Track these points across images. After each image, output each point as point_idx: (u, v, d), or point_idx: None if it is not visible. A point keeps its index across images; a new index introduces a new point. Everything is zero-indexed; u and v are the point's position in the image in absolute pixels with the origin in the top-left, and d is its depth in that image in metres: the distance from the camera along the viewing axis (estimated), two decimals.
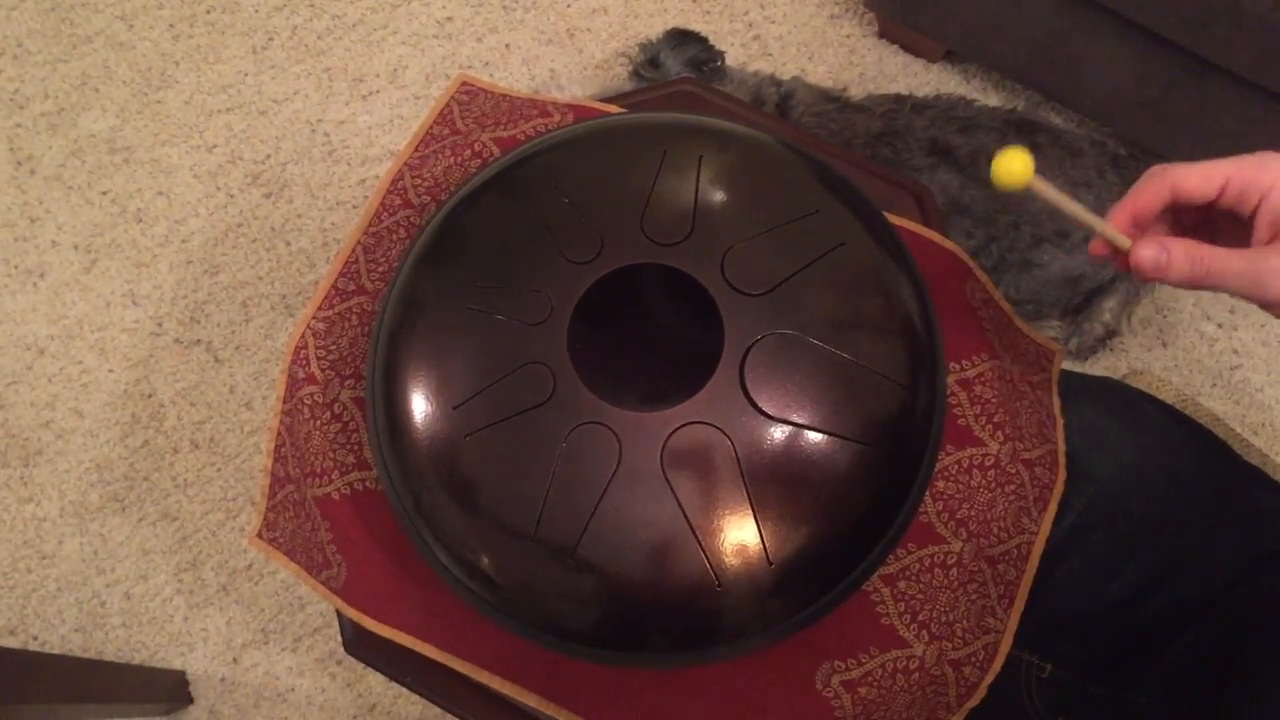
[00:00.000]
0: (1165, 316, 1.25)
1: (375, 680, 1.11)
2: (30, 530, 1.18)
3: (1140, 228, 0.49)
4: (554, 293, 0.51)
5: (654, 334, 0.58)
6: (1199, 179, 0.46)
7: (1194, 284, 0.46)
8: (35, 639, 1.14)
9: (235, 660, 1.13)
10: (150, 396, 1.23)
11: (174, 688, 1.10)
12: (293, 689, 1.12)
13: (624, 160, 0.56)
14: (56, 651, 1.13)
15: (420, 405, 0.52)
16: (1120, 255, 0.49)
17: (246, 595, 1.15)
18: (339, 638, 1.13)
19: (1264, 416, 1.21)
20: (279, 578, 1.15)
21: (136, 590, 1.15)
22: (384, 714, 1.10)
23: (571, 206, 0.54)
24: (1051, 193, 0.47)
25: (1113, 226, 0.48)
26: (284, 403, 0.63)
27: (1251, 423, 1.20)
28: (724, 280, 0.51)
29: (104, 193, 1.33)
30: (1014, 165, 0.45)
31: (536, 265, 0.52)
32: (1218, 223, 0.49)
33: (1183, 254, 0.45)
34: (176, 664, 1.13)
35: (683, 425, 0.48)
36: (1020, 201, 1.05)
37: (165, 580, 1.16)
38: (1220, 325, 1.24)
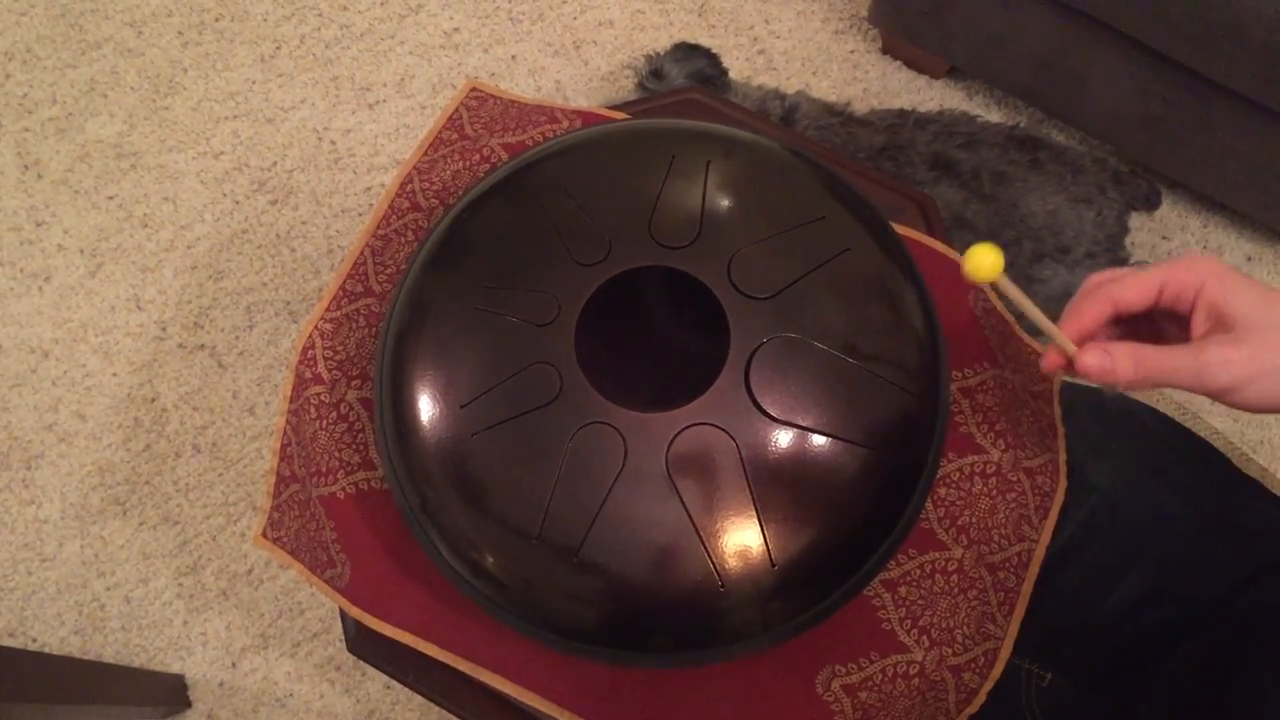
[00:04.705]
0: None
1: (374, 686, 1.11)
2: (31, 532, 1.18)
3: (1085, 340, 0.49)
4: (562, 294, 0.52)
5: (660, 336, 0.58)
6: (1136, 291, 0.48)
7: (1141, 385, 0.47)
8: (34, 641, 1.14)
9: (234, 665, 1.13)
10: (153, 401, 1.23)
11: (172, 691, 1.10)
12: (291, 694, 1.12)
13: (632, 164, 0.56)
14: (55, 653, 1.13)
15: (427, 404, 0.52)
16: (1069, 364, 0.50)
17: (246, 600, 1.15)
18: (338, 643, 1.14)
19: (1263, 434, 1.21)
20: (279, 583, 1.15)
21: (136, 594, 1.15)
22: None
23: (579, 209, 0.54)
24: (1014, 292, 0.47)
25: (1062, 336, 0.49)
26: (290, 403, 0.63)
27: (1250, 440, 1.21)
28: (730, 284, 0.51)
29: (110, 198, 1.33)
30: (985, 260, 0.45)
31: (544, 267, 0.53)
32: (1161, 324, 0.51)
33: (1126, 358, 0.47)
34: (175, 668, 1.13)
35: (688, 427, 0.49)
36: (1023, 218, 1.06)
37: (165, 584, 1.16)
38: None
